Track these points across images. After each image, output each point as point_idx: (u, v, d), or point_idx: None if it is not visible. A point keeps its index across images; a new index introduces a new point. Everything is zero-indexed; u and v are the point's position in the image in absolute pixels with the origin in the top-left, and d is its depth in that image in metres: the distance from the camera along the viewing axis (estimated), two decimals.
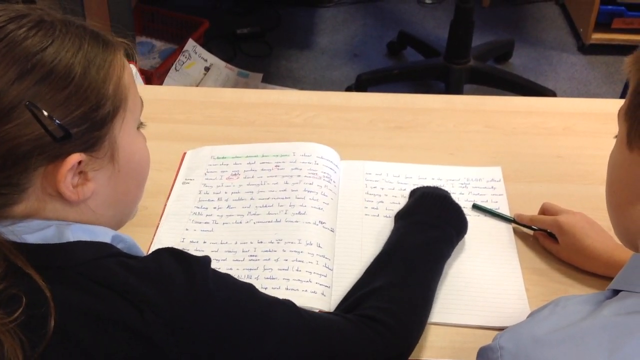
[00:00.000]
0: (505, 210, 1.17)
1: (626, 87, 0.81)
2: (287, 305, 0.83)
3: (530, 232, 1.13)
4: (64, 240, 0.71)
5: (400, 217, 1.10)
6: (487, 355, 0.69)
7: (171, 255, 0.75)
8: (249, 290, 0.79)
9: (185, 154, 1.31)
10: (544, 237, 1.10)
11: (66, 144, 0.69)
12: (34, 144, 0.67)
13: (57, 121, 0.68)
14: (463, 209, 1.10)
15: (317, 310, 0.99)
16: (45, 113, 0.67)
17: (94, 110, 0.71)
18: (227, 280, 0.78)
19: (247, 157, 1.27)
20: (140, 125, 0.82)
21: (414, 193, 1.15)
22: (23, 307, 0.65)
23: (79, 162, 0.71)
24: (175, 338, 0.69)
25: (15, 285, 0.67)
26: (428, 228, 1.04)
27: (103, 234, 0.75)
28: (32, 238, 0.70)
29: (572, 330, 0.66)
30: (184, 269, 0.73)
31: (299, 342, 0.81)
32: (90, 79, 0.71)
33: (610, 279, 0.97)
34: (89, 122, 0.71)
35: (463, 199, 1.18)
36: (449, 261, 1.05)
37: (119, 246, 0.76)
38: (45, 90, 0.68)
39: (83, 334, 0.67)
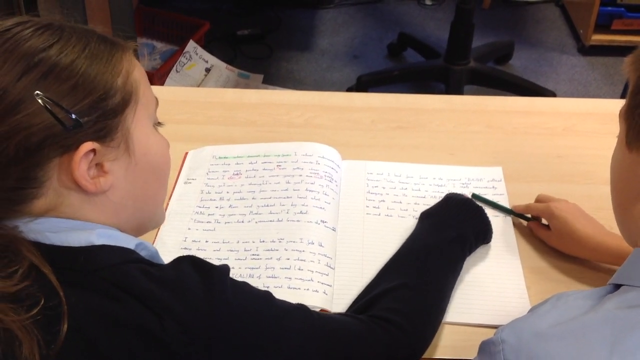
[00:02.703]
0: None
1: (626, 88, 0.81)
2: (303, 310, 0.83)
3: (525, 223, 1.13)
4: (89, 244, 0.72)
5: (421, 218, 1.11)
6: (488, 349, 0.69)
7: (191, 264, 0.75)
8: (266, 298, 0.80)
9: (187, 153, 1.31)
10: (537, 226, 1.11)
11: (78, 132, 0.70)
12: (45, 133, 0.69)
13: (65, 109, 0.69)
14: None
15: (318, 309, 1.00)
16: (54, 101, 0.68)
17: (103, 100, 0.72)
18: (244, 288, 0.78)
19: (248, 156, 1.28)
20: (158, 124, 0.83)
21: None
22: (41, 306, 0.66)
23: (94, 152, 0.72)
24: (193, 346, 0.70)
25: (36, 283, 0.67)
26: (443, 229, 1.05)
27: (127, 240, 0.76)
28: (56, 238, 0.71)
29: (574, 324, 0.66)
30: (202, 278, 0.73)
31: (313, 348, 0.81)
32: (96, 71, 0.72)
33: (604, 270, 0.98)
34: (100, 111, 0.72)
35: None
36: None
37: (142, 253, 0.77)
38: (50, 82, 0.69)
39: (101, 337, 0.68)
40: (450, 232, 1.05)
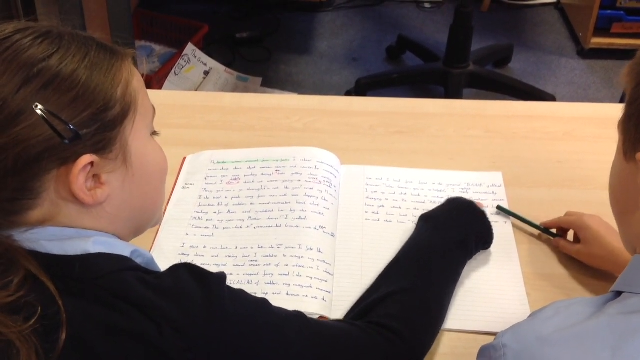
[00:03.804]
0: (505, 216, 1.17)
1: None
2: (300, 318, 0.83)
3: (552, 238, 1.12)
4: (85, 252, 0.71)
5: (422, 220, 1.10)
6: (489, 353, 0.68)
7: (188, 271, 0.75)
8: (263, 305, 0.79)
9: (185, 158, 1.31)
10: (565, 241, 1.10)
11: (76, 145, 0.69)
12: (44, 145, 0.68)
13: (64, 122, 0.68)
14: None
15: (317, 316, 0.99)
16: (53, 113, 0.67)
17: (102, 112, 0.71)
18: (242, 296, 0.78)
19: (247, 161, 1.27)
20: (154, 133, 0.82)
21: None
22: (39, 315, 0.66)
23: (92, 164, 0.71)
24: (191, 353, 0.69)
25: (33, 292, 0.67)
26: (445, 233, 1.05)
27: (122, 248, 0.75)
28: (52, 247, 0.70)
29: (577, 329, 0.66)
30: (200, 286, 0.73)
31: (312, 355, 0.81)
32: (96, 82, 0.71)
33: (608, 278, 0.97)
34: (99, 124, 0.71)
35: None
36: None
37: (137, 261, 0.76)
38: (50, 93, 0.68)
39: (100, 346, 0.68)
40: (453, 235, 1.04)
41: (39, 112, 0.67)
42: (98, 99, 0.71)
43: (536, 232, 1.15)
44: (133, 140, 0.75)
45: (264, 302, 0.80)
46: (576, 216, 1.10)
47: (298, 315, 0.83)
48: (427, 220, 1.09)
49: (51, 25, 0.74)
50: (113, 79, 0.73)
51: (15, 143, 0.67)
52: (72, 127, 0.69)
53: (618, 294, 0.71)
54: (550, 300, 0.73)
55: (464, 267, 1.04)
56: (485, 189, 1.22)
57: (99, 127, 0.71)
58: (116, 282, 0.70)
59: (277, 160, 1.26)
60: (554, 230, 1.13)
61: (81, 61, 0.71)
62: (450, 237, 1.04)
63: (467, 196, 1.19)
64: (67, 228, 0.72)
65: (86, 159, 0.70)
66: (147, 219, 0.84)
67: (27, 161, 0.68)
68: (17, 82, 0.67)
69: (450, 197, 1.15)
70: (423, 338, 0.91)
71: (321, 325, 0.85)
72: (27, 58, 0.69)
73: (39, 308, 0.66)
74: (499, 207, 1.18)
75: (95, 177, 0.73)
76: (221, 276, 0.76)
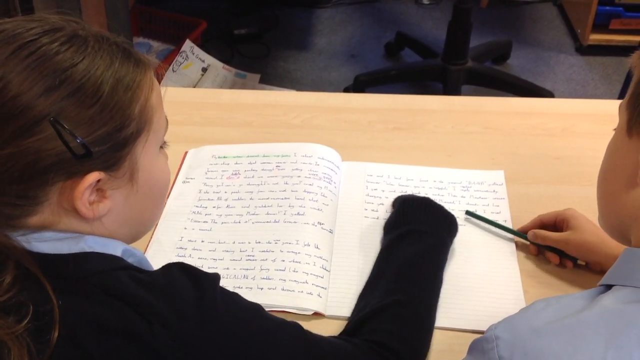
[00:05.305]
0: (506, 213, 1.16)
1: (624, 87, 0.82)
2: (295, 327, 0.82)
3: (524, 241, 1.11)
4: (77, 251, 0.71)
5: (389, 230, 1.09)
6: (481, 346, 0.68)
7: (181, 271, 0.74)
8: (256, 310, 0.79)
9: (186, 152, 1.30)
10: (546, 232, 1.08)
11: (86, 161, 0.68)
12: (55, 159, 0.67)
13: (79, 139, 0.67)
14: (452, 211, 1.10)
15: (312, 312, 0.99)
16: (69, 130, 0.66)
17: (117, 131, 0.70)
18: (235, 299, 0.78)
19: (248, 156, 1.27)
20: (164, 144, 0.81)
21: (395, 202, 1.15)
22: (31, 315, 0.66)
23: (98, 180, 0.70)
24: (182, 353, 0.69)
25: (25, 292, 0.67)
26: (420, 237, 1.03)
27: (114, 247, 0.75)
28: (45, 247, 0.70)
29: (570, 321, 0.66)
30: (193, 285, 0.73)
31: None
32: (117, 99, 0.70)
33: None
34: (112, 142, 0.70)
35: (464, 202, 1.18)
36: (448, 265, 1.05)
37: (129, 260, 0.76)
38: (71, 107, 0.67)
39: (91, 344, 0.68)
40: (428, 239, 1.03)
41: (54, 127, 0.66)
42: (116, 117, 0.70)
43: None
44: (142, 158, 0.74)
45: (256, 307, 0.80)
46: (558, 210, 1.09)
47: (293, 325, 0.82)
48: (396, 228, 1.07)
49: (77, 24, 0.72)
50: (133, 96, 0.71)
51: (26, 154, 0.66)
52: (85, 144, 0.68)
53: (608, 287, 0.71)
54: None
55: (444, 265, 1.03)
56: (486, 187, 1.22)
57: (112, 145, 0.70)
58: (109, 280, 0.70)
59: (278, 156, 1.26)
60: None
61: (105, 72, 0.70)
62: (428, 242, 1.03)
63: (467, 194, 1.19)
64: (63, 232, 0.72)
65: (94, 176, 0.69)
66: (143, 230, 0.84)
67: (34, 172, 0.67)
68: (38, 90, 0.66)
69: (399, 196, 1.15)
70: (419, 352, 0.91)
71: (317, 338, 0.84)
72: (51, 65, 0.67)
73: (31, 307, 0.66)
74: (467, 212, 1.15)
75: (99, 191, 0.72)
76: (215, 277, 0.76)
